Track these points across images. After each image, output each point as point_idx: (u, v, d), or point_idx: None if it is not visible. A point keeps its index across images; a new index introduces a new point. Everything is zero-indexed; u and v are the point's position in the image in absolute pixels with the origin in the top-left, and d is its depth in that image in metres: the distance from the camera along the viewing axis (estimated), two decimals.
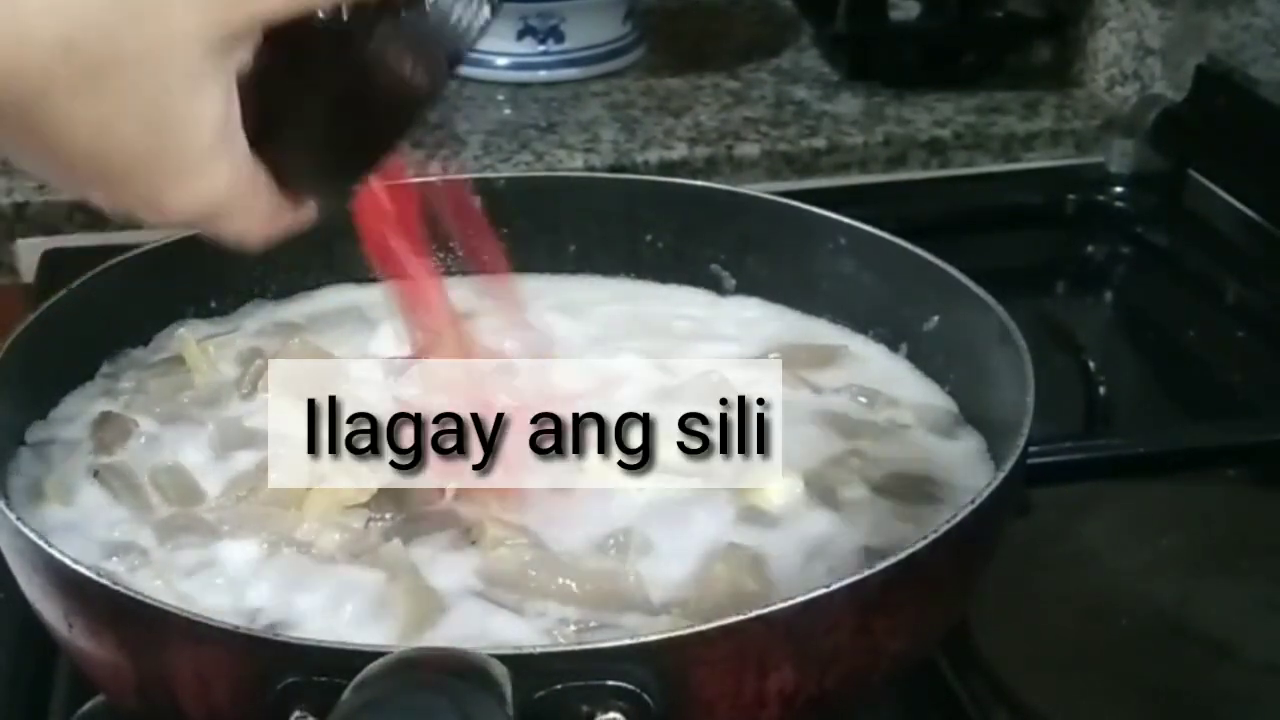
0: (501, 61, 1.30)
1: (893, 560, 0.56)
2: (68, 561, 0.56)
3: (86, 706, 0.68)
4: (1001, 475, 0.61)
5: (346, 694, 0.48)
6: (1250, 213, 1.07)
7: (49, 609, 0.60)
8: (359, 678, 0.48)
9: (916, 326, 0.77)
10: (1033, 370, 0.66)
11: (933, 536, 0.57)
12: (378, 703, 0.47)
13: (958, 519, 0.58)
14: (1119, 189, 1.16)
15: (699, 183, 0.93)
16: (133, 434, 0.72)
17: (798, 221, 0.81)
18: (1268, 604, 0.75)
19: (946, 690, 0.70)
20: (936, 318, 0.76)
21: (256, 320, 0.82)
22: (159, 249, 0.78)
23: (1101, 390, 0.94)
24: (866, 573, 0.56)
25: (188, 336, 0.79)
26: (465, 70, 1.31)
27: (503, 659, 0.50)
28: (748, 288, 0.84)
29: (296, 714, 0.52)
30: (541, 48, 1.30)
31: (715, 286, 0.84)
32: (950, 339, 0.75)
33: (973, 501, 0.59)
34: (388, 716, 0.47)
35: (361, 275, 0.85)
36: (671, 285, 0.85)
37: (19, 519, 0.58)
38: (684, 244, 0.84)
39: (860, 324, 0.80)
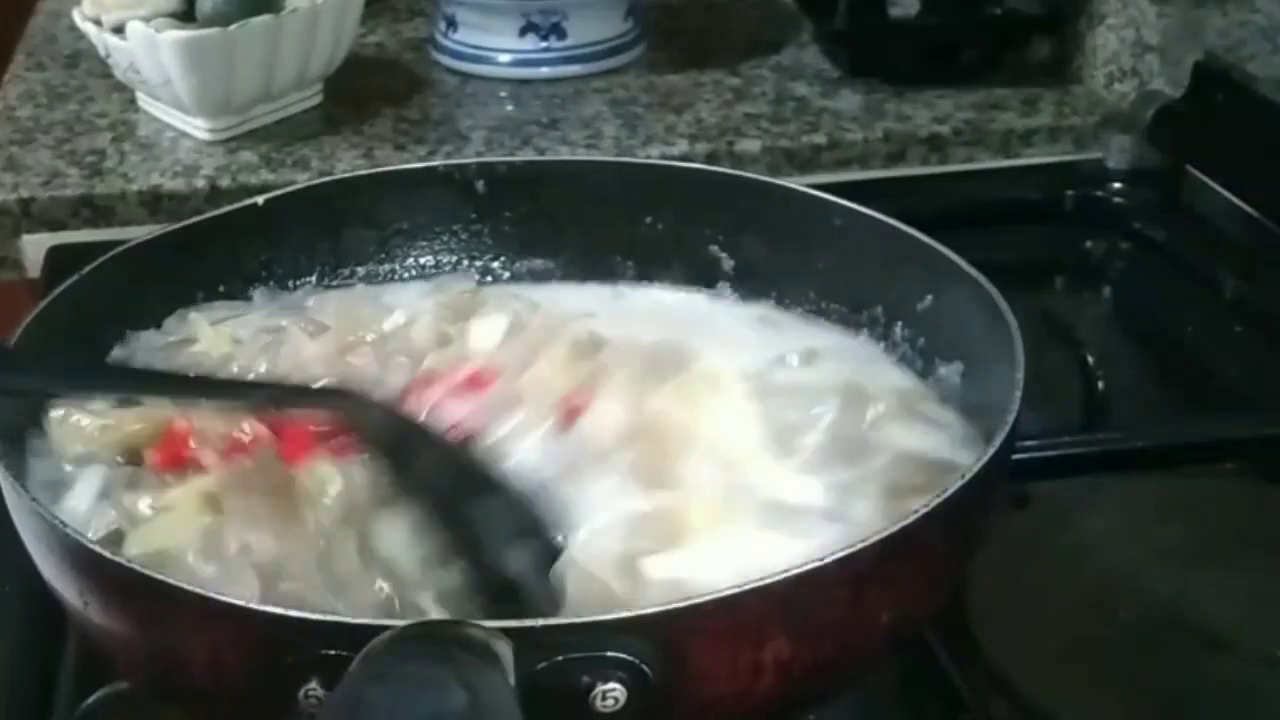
0: (503, 58, 1.31)
1: (884, 533, 0.57)
2: (83, 541, 0.57)
3: (93, 698, 0.69)
4: (991, 450, 0.61)
5: (353, 666, 0.49)
6: (1248, 208, 1.08)
7: (65, 587, 0.60)
8: (365, 650, 0.49)
9: (908, 308, 0.77)
10: (1023, 347, 0.66)
11: (924, 510, 0.58)
12: (383, 674, 0.48)
13: (948, 493, 0.58)
14: (1117, 185, 1.16)
15: (696, 165, 0.94)
16: None
17: (792, 202, 0.81)
18: (1265, 597, 0.75)
19: (945, 682, 0.70)
20: (929, 297, 0.76)
21: (263, 307, 0.82)
22: (167, 235, 0.79)
23: (1099, 385, 0.94)
24: (859, 545, 0.56)
25: (200, 320, 0.79)
26: (468, 67, 1.31)
27: (505, 631, 0.51)
28: (745, 270, 0.83)
29: (307, 686, 0.53)
30: (543, 44, 1.30)
31: (714, 269, 0.84)
32: (943, 322, 0.75)
33: (963, 476, 0.59)
34: (393, 687, 0.47)
35: (369, 261, 0.85)
36: (668, 284, 0.84)
37: (34, 500, 0.59)
38: (682, 227, 0.84)
39: (854, 307, 0.80)
